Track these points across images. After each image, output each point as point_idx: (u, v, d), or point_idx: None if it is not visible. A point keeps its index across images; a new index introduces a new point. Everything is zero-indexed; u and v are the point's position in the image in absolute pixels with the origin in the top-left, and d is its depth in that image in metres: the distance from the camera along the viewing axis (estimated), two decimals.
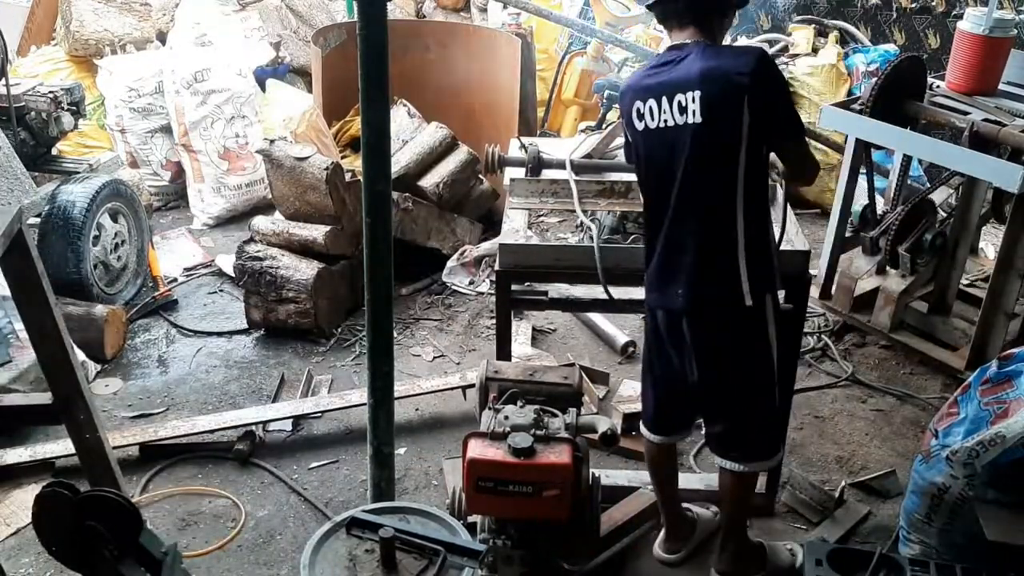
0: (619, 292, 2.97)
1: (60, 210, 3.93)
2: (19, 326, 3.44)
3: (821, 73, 5.30)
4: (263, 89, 5.28)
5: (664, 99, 2.40)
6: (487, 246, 4.59)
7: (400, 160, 4.42)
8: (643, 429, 2.88)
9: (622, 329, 4.13)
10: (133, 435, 3.36)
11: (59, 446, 3.24)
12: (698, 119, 2.36)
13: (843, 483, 3.22)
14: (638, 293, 2.98)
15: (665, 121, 2.41)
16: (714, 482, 3.20)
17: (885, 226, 3.92)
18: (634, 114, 2.47)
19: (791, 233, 2.90)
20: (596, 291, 3.00)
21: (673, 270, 2.52)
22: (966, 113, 3.71)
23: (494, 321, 3.23)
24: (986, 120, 3.59)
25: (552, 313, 4.27)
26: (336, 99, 5.02)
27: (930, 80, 3.95)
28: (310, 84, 5.48)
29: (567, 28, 5.88)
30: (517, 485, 2.18)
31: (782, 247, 2.73)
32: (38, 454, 3.26)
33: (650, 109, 2.43)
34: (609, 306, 2.96)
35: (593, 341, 4.17)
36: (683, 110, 2.38)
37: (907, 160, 4.03)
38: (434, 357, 4.05)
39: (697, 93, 2.34)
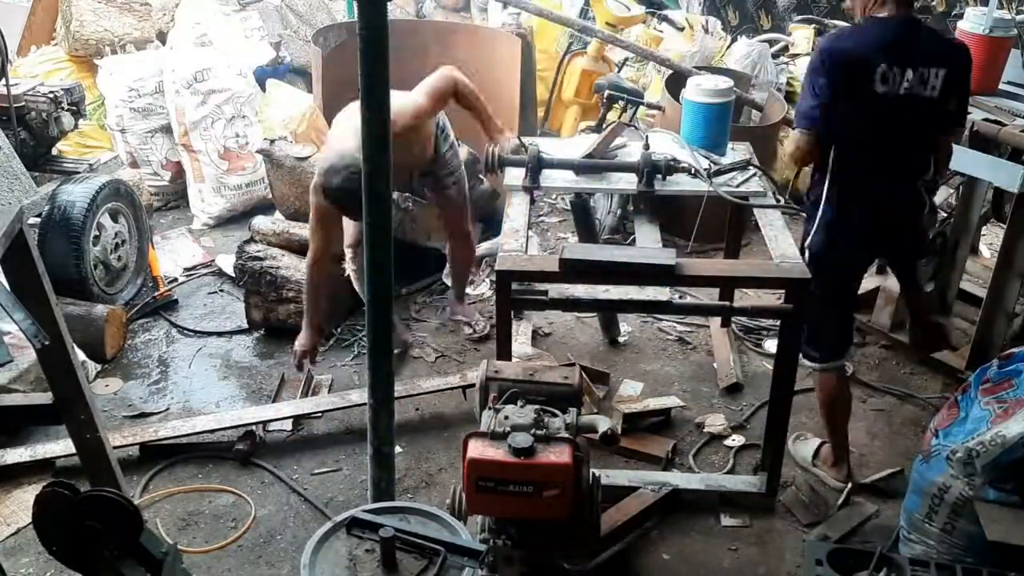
0: (619, 292, 2.97)
1: (60, 210, 3.93)
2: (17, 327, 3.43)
3: None
4: (263, 89, 5.28)
5: (909, 70, 2.62)
6: (487, 246, 4.58)
7: None
8: (823, 366, 3.06)
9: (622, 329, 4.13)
10: (133, 435, 3.36)
11: (59, 446, 3.24)
12: (935, 94, 2.65)
13: (849, 484, 3.20)
14: (637, 293, 2.99)
15: (908, 89, 2.62)
16: (714, 482, 3.22)
17: None
18: (878, 79, 2.61)
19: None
20: (596, 291, 3.00)
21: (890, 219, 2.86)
22: None
23: (494, 321, 3.23)
24: (986, 120, 3.59)
25: (552, 313, 4.26)
26: (336, 99, 5.01)
27: None
28: (310, 84, 5.48)
29: (567, 28, 5.87)
30: (517, 485, 2.18)
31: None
32: (38, 454, 3.26)
33: (895, 75, 2.62)
34: (609, 306, 2.96)
35: (593, 341, 4.17)
36: (924, 83, 2.63)
37: None
38: (435, 357, 4.05)
39: (942, 72, 2.63)
